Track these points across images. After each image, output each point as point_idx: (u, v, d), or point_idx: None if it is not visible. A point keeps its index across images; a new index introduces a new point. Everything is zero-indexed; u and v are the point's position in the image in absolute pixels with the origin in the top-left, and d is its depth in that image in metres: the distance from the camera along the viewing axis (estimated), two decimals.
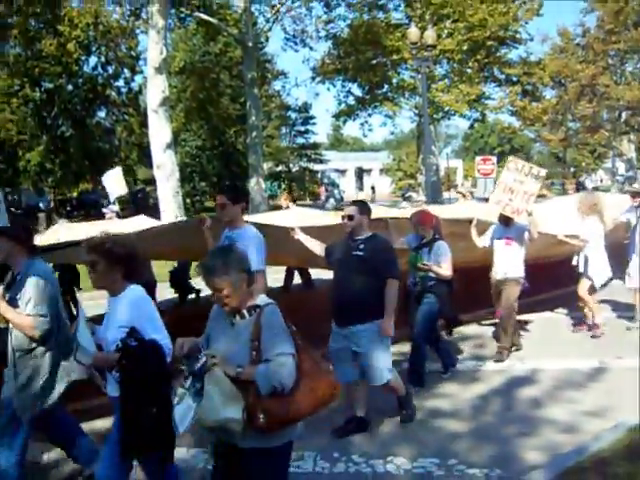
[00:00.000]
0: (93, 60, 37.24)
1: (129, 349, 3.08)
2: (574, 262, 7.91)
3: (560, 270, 8.75)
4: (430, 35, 21.71)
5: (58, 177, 36.99)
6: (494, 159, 26.96)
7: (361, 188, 46.36)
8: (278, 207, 14.87)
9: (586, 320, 8.06)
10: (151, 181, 26.45)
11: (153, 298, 5.26)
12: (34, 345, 3.75)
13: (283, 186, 49.84)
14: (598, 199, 8.04)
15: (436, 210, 7.58)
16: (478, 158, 27.31)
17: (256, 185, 25.20)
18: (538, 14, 29.66)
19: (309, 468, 4.56)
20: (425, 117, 23.51)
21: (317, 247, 5.61)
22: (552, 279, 9.29)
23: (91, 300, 7.05)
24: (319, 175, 53.16)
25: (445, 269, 6.15)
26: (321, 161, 50.98)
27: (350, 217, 5.03)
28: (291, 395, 2.75)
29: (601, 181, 66.51)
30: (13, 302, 3.79)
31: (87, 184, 41.03)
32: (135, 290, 3.41)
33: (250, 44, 25.23)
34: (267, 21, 28.58)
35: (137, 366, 3.08)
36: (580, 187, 35.98)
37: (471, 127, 37.67)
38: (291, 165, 49.69)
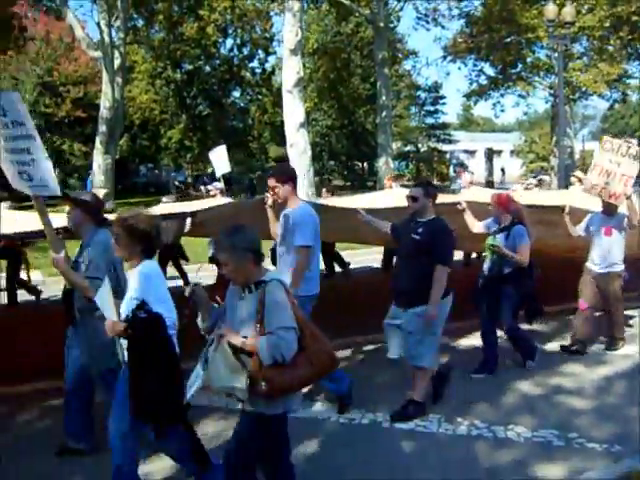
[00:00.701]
0: (229, 42, 38.84)
1: (137, 320, 3.30)
2: None
3: None
4: (569, 11, 20.86)
5: (195, 154, 39.00)
6: (635, 142, 25.60)
7: (491, 170, 45.28)
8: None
9: None
10: (282, 159, 27.37)
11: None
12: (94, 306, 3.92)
13: (411, 166, 49.70)
14: None
15: (533, 196, 7.39)
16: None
17: (384, 165, 25.52)
18: None
19: (434, 429, 4.89)
20: (560, 98, 22.60)
21: (383, 226, 5.66)
22: None
23: None
24: (448, 156, 52.43)
25: (521, 255, 5.86)
26: (450, 141, 50.21)
27: (415, 199, 5.09)
28: (292, 365, 2.99)
29: None
30: (77, 266, 4.27)
31: None
32: (149, 265, 3.64)
33: (381, 24, 25.38)
34: (399, 0, 28.61)
35: (143, 337, 3.31)
36: None
37: (611, 108, 35.76)
38: (420, 145, 49.37)
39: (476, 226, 6.24)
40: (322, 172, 42.56)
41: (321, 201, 8.08)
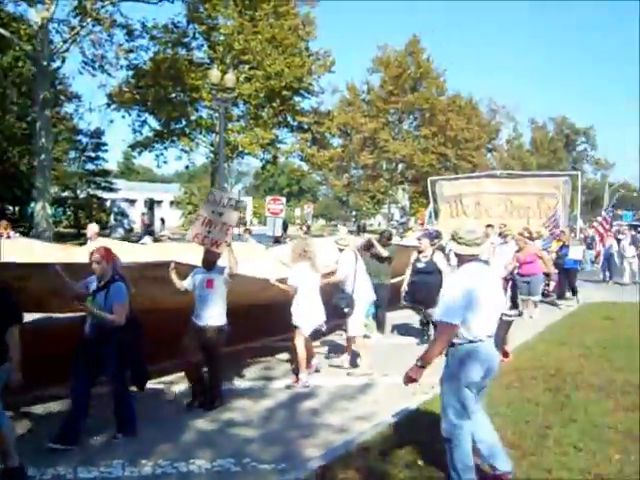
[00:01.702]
0: None
1: None
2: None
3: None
4: (230, 78, 22.87)
5: None
6: (283, 200, 28.59)
7: (152, 219, 45.90)
8: (61, 235, 14.42)
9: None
10: None
11: None
12: None
13: (69, 212, 47.72)
14: (308, 245, 8.05)
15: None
16: (268, 198, 28.63)
17: (42, 210, 24.08)
18: (330, 71, 32.42)
19: (118, 473, 5.04)
20: (221, 155, 24.24)
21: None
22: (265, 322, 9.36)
23: None
24: (108, 203, 51.62)
25: (116, 314, 5.49)
26: (111, 189, 49.66)
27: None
28: None
29: (379, 224, 72.28)
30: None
31: None
32: None
33: (44, 62, 24.41)
34: (65, 41, 27.90)
35: None
36: (361, 229, 38.99)
37: (263, 168, 39.37)
38: (78, 191, 47.81)
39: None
40: None
41: None
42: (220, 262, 6.76)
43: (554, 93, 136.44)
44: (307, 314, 7.75)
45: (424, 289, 9.72)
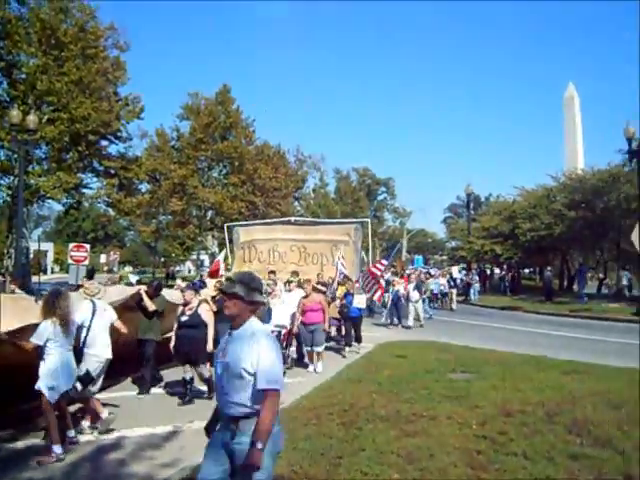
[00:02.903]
0: None
1: None
2: None
3: None
4: (32, 119, 21.96)
5: None
6: (87, 247, 27.51)
7: None
8: None
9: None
10: None
11: None
12: None
13: None
14: (64, 299, 7.08)
15: None
16: (72, 245, 27.23)
17: None
18: (139, 117, 32.21)
19: None
20: (20, 199, 22.69)
21: None
22: None
23: None
24: None
25: None
26: None
27: None
28: None
29: (189, 271, 71.67)
30: None
31: None
32: None
33: None
34: None
35: None
36: (170, 275, 38.56)
37: (66, 212, 37.70)
38: None
39: None
40: None
41: None
42: None
43: (358, 145, 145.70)
44: (51, 376, 6.77)
45: (187, 344, 9.50)
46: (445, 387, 9.75)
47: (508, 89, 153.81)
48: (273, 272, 15.73)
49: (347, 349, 14.71)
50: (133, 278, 18.79)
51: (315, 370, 12.52)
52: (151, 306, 10.23)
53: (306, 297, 12.83)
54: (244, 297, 3.91)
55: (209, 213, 45.48)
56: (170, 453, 6.98)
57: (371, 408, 8.40)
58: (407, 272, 28.04)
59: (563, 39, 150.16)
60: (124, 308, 9.58)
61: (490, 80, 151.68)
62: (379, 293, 18.25)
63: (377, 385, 10.10)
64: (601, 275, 38.96)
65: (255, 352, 3.78)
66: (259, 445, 3.61)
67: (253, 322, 3.98)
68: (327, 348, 13.95)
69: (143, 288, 10.77)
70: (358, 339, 15.02)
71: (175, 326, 9.97)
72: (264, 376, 3.74)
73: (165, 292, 11.54)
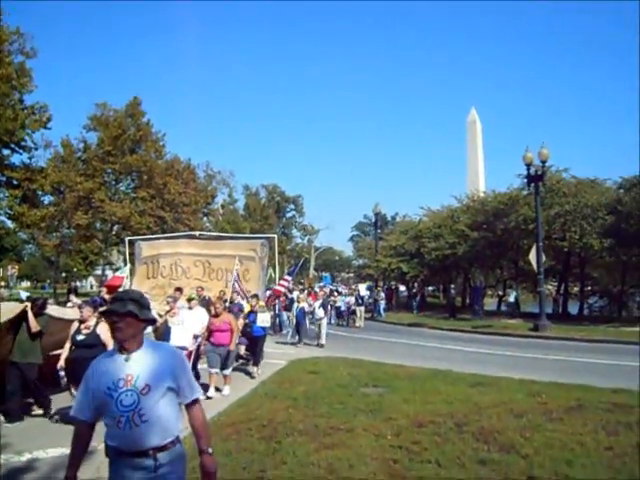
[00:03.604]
0: None
1: None
2: None
3: None
4: None
5: None
6: None
7: None
8: None
9: None
10: None
11: None
12: None
13: None
14: None
15: None
16: None
17: None
18: (46, 127, 31.19)
19: None
20: None
21: None
22: None
23: None
24: None
25: None
26: None
27: None
28: None
29: (92, 287, 69.49)
30: None
31: None
32: None
33: None
34: None
35: None
36: (73, 291, 37.20)
37: None
38: None
39: None
40: None
41: None
42: None
43: (267, 162, 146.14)
44: None
45: (84, 366, 8.86)
46: (359, 401, 10.06)
47: (416, 111, 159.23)
48: (180, 289, 15.03)
49: (255, 368, 14.13)
50: (23, 294, 17.89)
51: (222, 394, 11.62)
52: (36, 327, 9.46)
53: (216, 316, 12.13)
54: (139, 315, 3.61)
55: (115, 227, 44.36)
56: (87, 473, 6.86)
57: (289, 422, 8.58)
58: (316, 289, 28.48)
59: (468, 63, 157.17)
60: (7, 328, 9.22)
61: (399, 101, 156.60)
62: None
63: (293, 400, 10.27)
64: (500, 292, 40.86)
65: (170, 366, 3.62)
66: (210, 450, 3.61)
67: (146, 339, 3.73)
68: (234, 369, 13.37)
69: (29, 305, 9.78)
70: (258, 359, 14.34)
71: (67, 345, 9.26)
72: (189, 385, 3.66)
73: (54, 308, 11.06)
